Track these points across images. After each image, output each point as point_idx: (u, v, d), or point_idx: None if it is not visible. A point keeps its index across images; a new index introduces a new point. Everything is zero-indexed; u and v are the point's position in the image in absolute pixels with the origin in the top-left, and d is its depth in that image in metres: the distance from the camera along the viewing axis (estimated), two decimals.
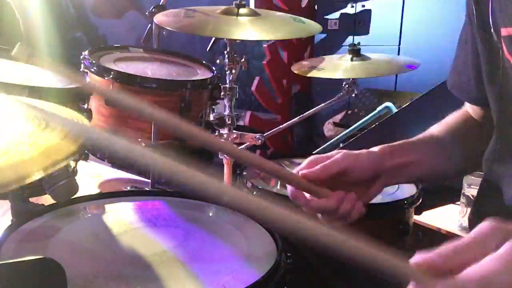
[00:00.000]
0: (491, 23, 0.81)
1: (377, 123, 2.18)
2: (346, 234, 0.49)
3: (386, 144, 0.91)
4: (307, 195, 0.82)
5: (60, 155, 0.58)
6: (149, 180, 1.59)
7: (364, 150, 0.87)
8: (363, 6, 3.76)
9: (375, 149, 0.89)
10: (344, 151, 0.86)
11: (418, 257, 0.49)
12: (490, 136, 0.92)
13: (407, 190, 1.33)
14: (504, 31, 0.78)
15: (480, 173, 1.57)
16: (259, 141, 1.58)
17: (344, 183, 0.83)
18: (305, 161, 0.84)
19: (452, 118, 1.02)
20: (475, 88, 0.93)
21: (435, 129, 0.99)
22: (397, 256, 0.49)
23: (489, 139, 0.93)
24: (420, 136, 0.97)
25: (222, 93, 1.53)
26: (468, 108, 1.01)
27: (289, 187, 0.83)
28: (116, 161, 1.61)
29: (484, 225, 0.49)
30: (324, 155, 0.84)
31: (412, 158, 0.91)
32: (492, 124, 0.90)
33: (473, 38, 0.89)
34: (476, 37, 0.87)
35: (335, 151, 0.86)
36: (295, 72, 1.85)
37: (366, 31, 3.69)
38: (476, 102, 0.97)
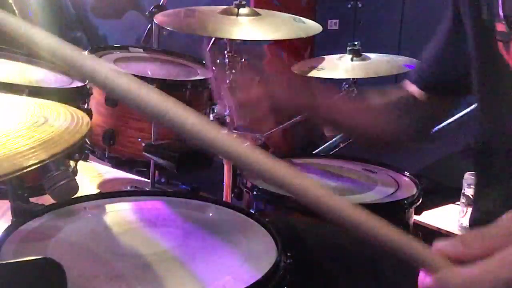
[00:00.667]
0: (485, 19, 0.82)
1: None
2: (367, 213, 0.48)
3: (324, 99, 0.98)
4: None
5: (58, 148, 0.58)
6: (149, 180, 1.59)
7: (302, 96, 0.95)
8: (363, 5, 3.75)
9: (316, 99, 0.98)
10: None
11: (440, 243, 0.47)
12: (427, 118, 1.02)
13: (407, 190, 1.33)
14: (499, 27, 0.78)
15: None
16: (259, 141, 1.58)
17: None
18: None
19: (393, 94, 1.08)
20: (431, 75, 1.00)
21: (373, 97, 1.06)
22: (418, 241, 0.47)
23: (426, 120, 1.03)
24: (360, 101, 1.06)
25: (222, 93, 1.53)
26: (414, 91, 1.06)
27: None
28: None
29: (509, 215, 0.47)
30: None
31: (344, 119, 1.00)
32: (432, 108, 0.98)
33: (451, 26, 0.92)
34: (467, 32, 0.87)
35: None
36: (295, 72, 1.85)
37: (366, 31, 3.69)
38: (425, 88, 1.03)
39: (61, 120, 0.69)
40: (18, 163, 0.53)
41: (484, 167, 0.91)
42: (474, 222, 0.95)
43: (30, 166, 0.53)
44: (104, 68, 0.46)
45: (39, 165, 0.53)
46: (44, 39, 0.49)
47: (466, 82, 0.91)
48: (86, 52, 1.54)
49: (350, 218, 0.47)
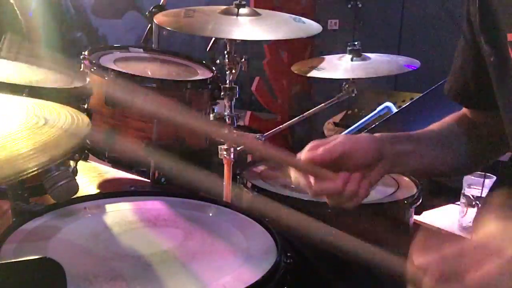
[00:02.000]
0: (496, 30, 0.81)
1: (377, 123, 2.17)
2: (348, 234, 0.49)
3: (387, 133, 0.92)
4: (312, 179, 0.83)
5: (58, 151, 0.58)
6: (149, 180, 1.59)
7: (364, 134, 0.88)
8: (363, 5, 3.76)
9: (376, 134, 0.90)
10: (344, 134, 0.87)
11: (419, 259, 0.48)
12: (491, 138, 0.94)
13: (407, 190, 1.33)
14: (510, 37, 0.78)
15: (480, 173, 1.57)
16: (259, 141, 1.58)
17: (346, 166, 0.84)
18: (307, 147, 0.84)
19: (451, 117, 1.03)
20: (473, 93, 0.94)
21: (435, 125, 1.01)
22: (399, 257, 0.48)
23: (490, 141, 0.93)
24: (421, 130, 0.99)
25: (222, 93, 1.53)
26: (467, 112, 1.01)
27: (292, 173, 0.84)
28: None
29: (489, 228, 0.48)
30: (324, 139, 0.85)
31: (412, 148, 0.92)
32: (493, 127, 0.90)
33: (472, 44, 0.90)
34: (481, 43, 0.87)
35: (334, 136, 0.86)
36: (295, 72, 1.85)
37: (366, 31, 3.69)
38: (473, 106, 0.99)
39: (61, 122, 0.69)
40: (19, 166, 0.53)
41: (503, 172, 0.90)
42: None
43: (30, 169, 0.53)
44: None
45: (40, 169, 0.53)
46: None
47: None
48: (86, 52, 1.54)
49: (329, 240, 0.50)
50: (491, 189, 0.99)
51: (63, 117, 0.72)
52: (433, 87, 2.18)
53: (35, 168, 0.53)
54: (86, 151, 1.50)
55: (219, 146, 1.56)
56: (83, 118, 0.72)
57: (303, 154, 0.83)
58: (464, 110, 1.03)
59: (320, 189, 0.82)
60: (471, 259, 0.47)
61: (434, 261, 0.48)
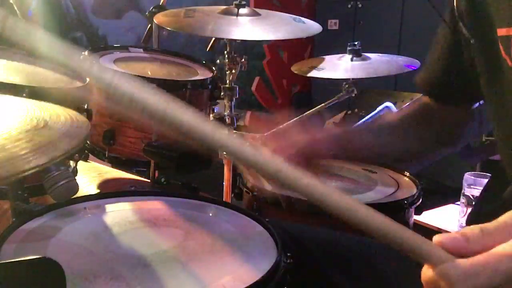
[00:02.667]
0: (487, 25, 0.81)
1: None
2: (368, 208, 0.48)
3: (343, 129, 0.99)
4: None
5: (58, 152, 0.58)
6: (149, 180, 1.59)
7: (321, 136, 0.94)
8: (363, 5, 3.76)
9: (332, 132, 0.97)
10: (298, 134, 0.91)
11: (441, 237, 0.48)
12: (441, 131, 1.03)
13: (407, 190, 1.33)
14: (500, 31, 0.78)
15: (480, 173, 1.57)
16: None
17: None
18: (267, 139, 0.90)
19: (410, 107, 1.08)
20: (443, 86, 0.99)
21: (389, 115, 1.06)
22: (419, 235, 0.48)
23: (439, 134, 1.03)
24: (378, 122, 1.05)
25: (222, 93, 1.53)
26: (428, 100, 1.05)
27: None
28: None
29: (509, 215, 0.48)
30: (282, 133, 0.90)
31: (368, 143, 1.00)
32: (448, 121, 0.98)
33: (452, 37, 0.92)
34: (467, 37, 0.87)
35: (290, 130, 0.92)
36: (295, 72, 1.85)
37: (366, 31, 3.69)
38: (440, 99, 1.03)
39: (61, 123, 0.70)
40: (17, 166, 0.53)
41: (496, 170, 0.92)
42: (471, 222, 0.95)
43: (29, 169, 0.53)
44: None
45: (38, 169, 0.53)
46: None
47: (475, 89, 0.91)
48: (86, 52, 1.54)
49: (353, 214, 0.48)
50: (485, 189, 1.00)
51: (63, 118, 0.72)
52: None
53: (34, 169, 0.53)
54: (86, 151, 1.50)
55: None
56: (83, 119, 0.72)
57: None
58: (425, 99, 1.06)
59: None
60: (491, 238, 0.46)
61: (453, 238, 0.47)
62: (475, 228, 0.47)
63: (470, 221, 0.98)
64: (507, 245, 0.45)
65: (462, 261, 0.45)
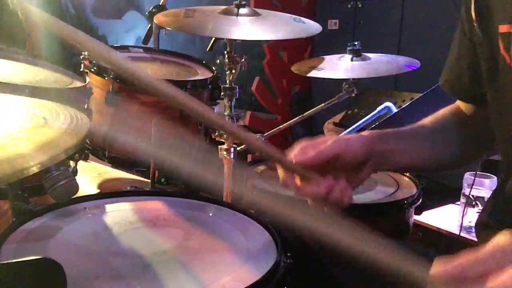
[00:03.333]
0: (490, 21, 0.81)
1: (377, 123, 2.17)
2: (367, 237, 0.50)
3: (376, 130, 0.93)
4: (298, 179, 0.83)
5: (58, 150, 0.58)
6: (149, 180, 1.59)
7: (354, 135, 0.89)
8: (363, 5, 3.76)
9: (365, 133, 0.90)
10: (334, 136, 0.87)
11: (438, 266, 0.49)
12: (481, 134, 0.95)
13: (407, 190, 1.33)
14: (502, 28, 0.78)
15: (480, 173, 1.57)
16: (259, 141, 1.58)
17: (334, 168, 0.84)
18: (297, 146, 0.84)
19: (443, 111, 1.04)
20: (467, 86, 0.94)
21: (427, 120, 1.01)
22: (416, 263, 0.49)
23: (480, 137, 0.95)
24: (411, 126, 0.99)
25: (222, 93, 1.53)
26: (460, 104, 1.02)
27: (280, 171, 0.84)
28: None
29: (501, 239, 0.49)
30: (315, 140, 0.85)
31: (400, 145, 0.92)
32: (484, 122, 0.91)
33: (469, 35, 0.90)
34: (474, 36, 0.87)
35: (324, 137, 0.87)
36: (295, 72, 1.85)
37: (366, 31, 3.69)
38: (467, 99, 0.99)
39: (61, 121, 0.70)
40: (18, 166, 0.53)
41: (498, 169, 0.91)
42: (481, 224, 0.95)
43: (30, 169, 0.53)
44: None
45: (39, 168, 0.53)
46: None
47: None
48: (86, 52, 1.54)
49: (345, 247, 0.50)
50: (496, 190, 0.99)
51: (62, 117, 0.72)
52: (433, 87, 2.18)
53: (35, 168, 0.53)
54: (86, 151, 1.50)
55: (219, 146, 1.56)
56: (83, 117, 0.72)
57: (294, 155, 0.83)
58: (458, 103, 1.03)
59: (304, 192, 0.83)
60: (489, 264, 0.47)
61: (450, 267, 0.48)
62: (470, 258, 0.49)
63: (481, 222, 0.97)
64: (500, 277, 0.46)
65: None
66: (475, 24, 0.84)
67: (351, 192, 0.85)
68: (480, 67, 0.88)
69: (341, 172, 0.84)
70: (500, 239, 0.50)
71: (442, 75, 1.01)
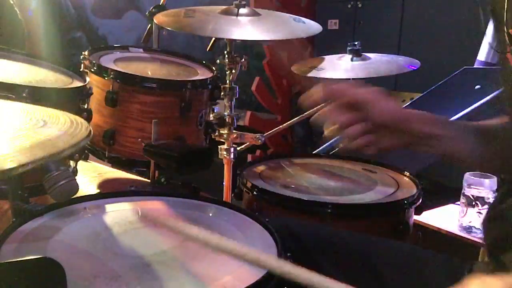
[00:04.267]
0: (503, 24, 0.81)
1: None
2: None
3: (422, 111, 0.92)
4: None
5: (56, 148, 0.58)
6: (149, 180, 1.59)
7: (397, 104, 0.90)
8: (363, 5, 3.76)
9: (409, 110, 0.91)
10: (380, 90, 0.88)
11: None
12: None
13: (407, 190, 1.33)
14: None
15: (480, 173, 1.57)
16: (259, 141, 1.58)
17: (365, 113, 0.86)
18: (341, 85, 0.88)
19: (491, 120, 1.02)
20: None
21: (485, 122, 0.99)
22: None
23: None
24: (460, 121, 0.97)
25: (222, 93, 1.53)
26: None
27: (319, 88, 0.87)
28: None
29: (472, 282, 0.49)
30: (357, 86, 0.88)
31: (443, 132, 0.91)
32: None
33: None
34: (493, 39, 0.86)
35: (369, 88, 0.88)
36: (295, 72, 1.85)
37: (366, 31, 3.69)
38: None
39: (60, 124, 0.70)
40: (16, 163, 0.53)
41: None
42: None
43: (28, 166, 0.53)
44: None
45: (34, 165, 0.53)
46: None
47: None
48: (86, 52, 1.54)
49: None
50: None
51: (62, 120, 0.72)
52: (433, 87, 2.18)
53: (28, 165, 0.53)
54: (86, 151, 1.50)
55: (219, 146, 1.56)
56: (82, 122, 0.72)
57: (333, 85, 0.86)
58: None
59: (326, 111, 0.87)
60: None
61: None
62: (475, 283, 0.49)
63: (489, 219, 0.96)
64: None
65: None
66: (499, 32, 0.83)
67: (372, 139, 0.87)
68: None
69: (370, 122, 0.86)
70: (470, 282, 0.49)
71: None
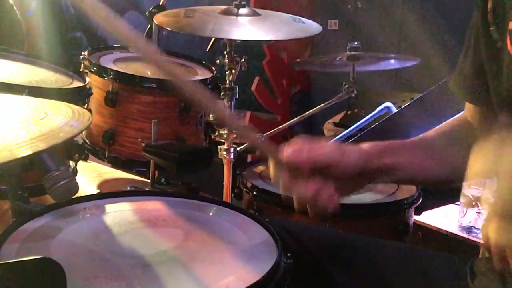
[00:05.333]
0: (493, 18, 0.81)
1: (377, 123, 2.17)
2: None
3: (376, 143, 0.90)
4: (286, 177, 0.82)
5: (57, 139, 0.59)
6: (149, 180, 1.59)
7: (352, 147, 0.87)
8: (363, 5, 3.76)
9: (364, 146, 0.89)
10: (333, 143, 0.86)
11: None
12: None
13: (407, 190, 1.33)
14: (511, 25, 0.78)
15: None
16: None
17: (326, 174, 0.82)
18: (292, 144, 0.82)
19: (447, 123, 1.02)
20: (473, 87, 0.93)
21: (429, 133, 0.99)
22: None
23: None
24: (412, 139, 0.97)
25: (222, 93, 1.53)
26: (466, 111, 1.01)
27: (271, 165, 0.83)
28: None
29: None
30: (312, 142, 0.83)
31: (401, 160, 0.90)
32: (489, 131, 0.89)
33: (476, 37, 0.89)
34: (479, 34, 0.87)
35: (322, 142, 0.85)
36: (296, 69, 1.85)
37: (366, 31, 3.69)
38: (472, 101, 0.97)
39: (62, 115, 0.70)
40: (16, 152, 0.53)
41: None
42: None
43: (28, 155, 0.53)
44: None
45: (36, 155, 0.54)
46: None
47: None
48: (86, 52, 1.54)
49: None
50: None
51: (64, 111, 0.72)
52: (433, 87, 2.18)
53: (31, 155, 0.53)
54: (86, 151, 1.50)
55: (219, 146, 1.56)
56: (84, 112, 0.73)
57: (287, 153, 0.81)
58: (463, 114, 1.01)
59: (291, 190, 0.82)
60: None
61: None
62: None
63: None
64: None
65: None
66: (492, 27, 0.84)
67: (338, 200, 0.83)
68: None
69: (332, 179, 0.83)
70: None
71: (452, 77, 1.00)
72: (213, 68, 1.68)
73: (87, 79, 1.35)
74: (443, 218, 1.74)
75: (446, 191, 1.88)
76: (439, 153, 0.95)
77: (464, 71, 0.95)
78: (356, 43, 1.83)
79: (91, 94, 1.33)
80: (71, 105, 0.78)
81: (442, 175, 0.96)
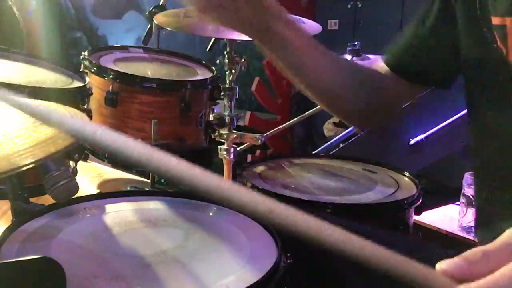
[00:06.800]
0: (479, 12, 0.81)
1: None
2: (365, 240, 0.47)
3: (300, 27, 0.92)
4: None
5: (55, 147, 0.59)
6: (149, 180, 1.59)
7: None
8: (363, 5, 3.76)
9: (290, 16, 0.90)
10: None
11: (444, 264, 0.48)
12: (381, 99, 1.02)
13: (407, 190, 1.33)
14: (494, 20, 0.78)
15: None
16: (259, 141, 1.58)
17: None
18: None
19: (367, 65, 1.06)
20: (407, 62, 0.98)
21: (344, 56, 1.03)
22: (421, 264, 0.47)
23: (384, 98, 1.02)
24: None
25: (222, 93, 1.54)
26: (381, 66, 1.04)
27: None
28: (115, 160, 1.61)
29: (508, 235, 0.48)
30: None
31: (301, 44, 0.90)
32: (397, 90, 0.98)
33: (437, 24, 0.91)
34: (460, 28, 0.87)
35: None
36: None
37: (366, 31, 3.69)
38: (397, 71, 1.02)
39: None
40: (15, 162, 0.53)
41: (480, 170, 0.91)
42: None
43: (27, 165, 0.53)
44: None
45: (35, 164, 0.53)
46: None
47: (439, 74, 0.93)
48: (86, 52, 1.54)
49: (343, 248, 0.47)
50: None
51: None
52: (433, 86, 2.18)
53: (30, 164, 0.53)
54: (86, 151, 1.50)
55: (219, 146, 1.56)
56: (83, 116, 0.72)
57: None
58: (380, 66, 1.04)
59: None
60: (493, 261, 0.46)
61: (457, 264, 0.47)
62: (476, 252, 0.47)
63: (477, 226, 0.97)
64: (506, 269, 0.45)
65: (464, 286, 0.45)
66: (481, 20, 0.84)
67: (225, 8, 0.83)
68: (435, 52, 0.91)
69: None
70: (507, 235, 0.48)
71: (392, 46, 1.03)
72: (213, 68, 1.68)
73: (87, 79, 1.35)
74: (443, 218, 1.74)
75: (446, 191, 1.88)
76: (336, 64, 0.98)
77: (404, 40, 0.99)
78: (356, 43, 1.83)
79: (91, 94, 1.33)
80: (68, 107, 0.78)
81: (325, 83, 0.97)
